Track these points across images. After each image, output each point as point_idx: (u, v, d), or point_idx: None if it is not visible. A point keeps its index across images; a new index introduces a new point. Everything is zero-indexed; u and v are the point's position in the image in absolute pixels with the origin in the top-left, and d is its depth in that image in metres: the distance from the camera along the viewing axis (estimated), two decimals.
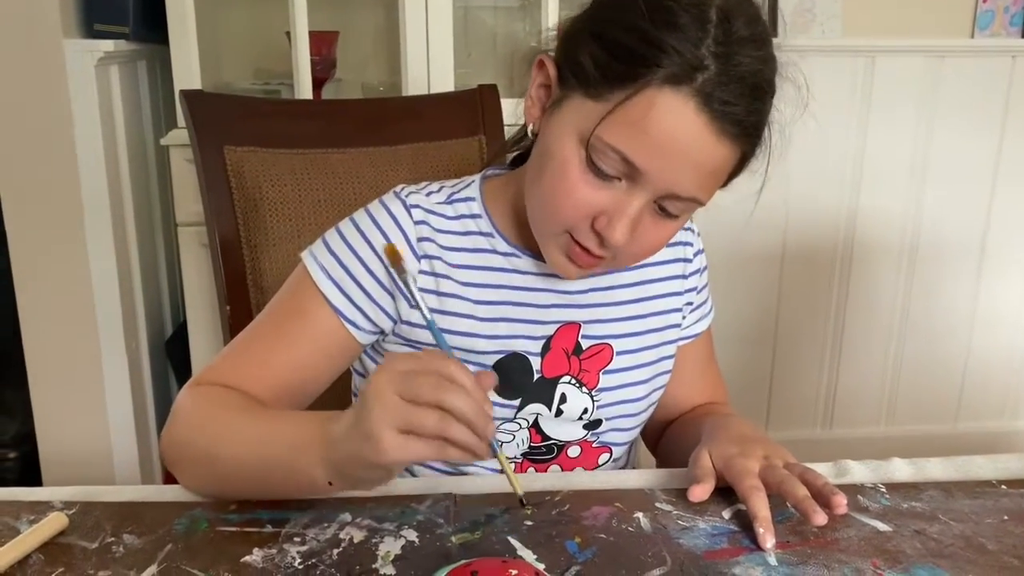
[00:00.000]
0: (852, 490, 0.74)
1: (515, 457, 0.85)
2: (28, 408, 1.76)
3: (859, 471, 0.78)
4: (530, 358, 0.82)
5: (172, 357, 1.94)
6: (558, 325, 0.83)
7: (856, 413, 2.30)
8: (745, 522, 0.69)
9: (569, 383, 0.84)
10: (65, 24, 1.59)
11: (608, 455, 0.88)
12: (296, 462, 0.65)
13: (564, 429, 0.85)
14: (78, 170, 1.64)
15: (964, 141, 2.13)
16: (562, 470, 0.86)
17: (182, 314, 1.98)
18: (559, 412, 0.84)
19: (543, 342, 0.83)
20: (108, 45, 1.62)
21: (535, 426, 0.84)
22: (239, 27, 1.97)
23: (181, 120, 1.57)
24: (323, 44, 1.80)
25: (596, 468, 0.88)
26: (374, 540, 0.66)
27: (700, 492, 0.72)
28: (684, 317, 0.92)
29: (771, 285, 2.19)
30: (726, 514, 0.71)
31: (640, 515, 0.70)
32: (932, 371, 2.30)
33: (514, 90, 1.90)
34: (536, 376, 0.82)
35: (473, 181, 0.86)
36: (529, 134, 0.78)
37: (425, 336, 0.81)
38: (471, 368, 0.77)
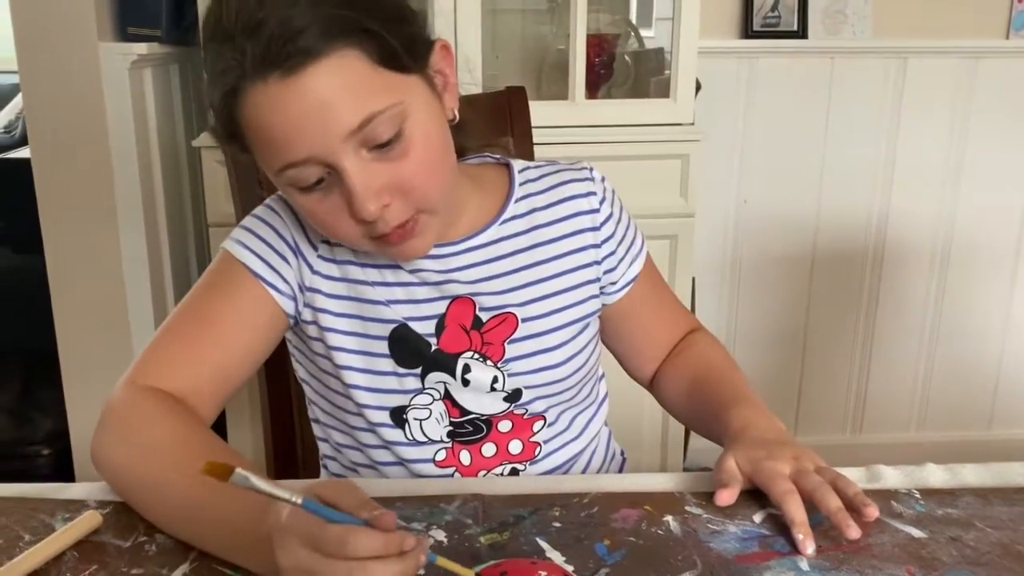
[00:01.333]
0: (886, 495, 0.73)
1: (443, 440, 0.83)
2: (62, 406, 1.78)
3: (892, 476, 0.77)
4: (424, 336, 0.81)
5: None
6: (448, 301, 0.82)
7: (886, 419, 2.28)
8: (776, 526, 0.69)
9: (472, 358, 0.82)
10: (100, 27, 1.61)
11: (543, 422, 0.86)
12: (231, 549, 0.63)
13: (481, 401, 0.83)
14: (112, 171, 1.67)
15: (999, 144, 2.10)
16: (497, 449, 0.85)
17: None
18: (465, 381, 0.82)
19: (436, 321, 0.81)
20: (141, 48, 1.65)
21: (448, 398, 0.82)
22: None
23: (212, 122, 1.58)
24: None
25: (533, 437, 0.86)
26: None
27: (727, 496, 0.71)
28: (612, 269, 0.88)
29: (801, 288, 2.18)
30: (757, 518, 0.70)
31: (670, 518, 0.70)
32: (965, 376, 2.26)
33: (542, 92, 1.90)
34: (433, 348, 0.81)
35: None
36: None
37: (326, 303, 0.81)
38: (373, 341, 0.81)
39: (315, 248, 0.82)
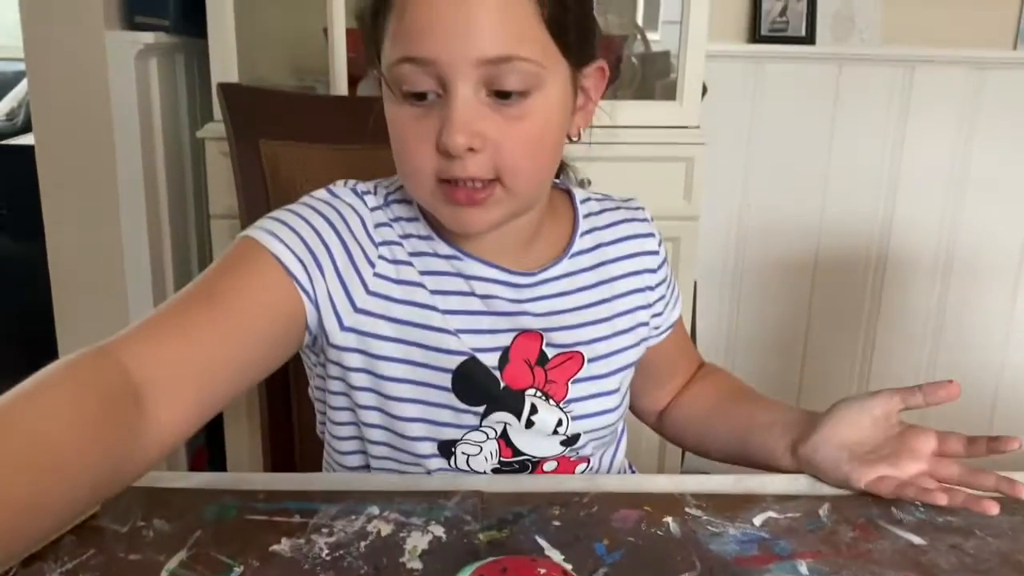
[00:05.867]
0: (886, 502, 0.73)
1: (486, 473, 0.79)
2: None
3: None
4: (490, 369, 0.76)
5: None
6: (515, 334, 0.76)
7: None
8: (775, 530, 0.69)
9: (535, 396, 0.77)
10: (107, 16, 1.61)
11: (586, 464, 0.84)
12: None
13: (538, 444, 0.78)
14: (115, 161, 1.67)
15: (1004, 154, 2.10)
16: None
17: None
18: (530, 423, 0.77)
19: (500, 353, 0.76)
20: (148, 37, 1.64)
21: (504, 437, 0.77)
22: (277, 23, 1.98)
23: (217, 113, 1.58)
24: (360, 42, 1.80)
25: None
26: (401, 534, 0.66)
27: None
28: (660, 314, 0.87)
29: (803, 294, 2.18)
30: (757, 521, 0.70)
31: (669, 519, 0.70)
32: (964, 387, 2.24)
33: None
34: (501, 386, 0.76)
35: None
36: None
37: (382, 327, 0.74)
38: (434, 372, 0.74)
39: (372, 264, 0.74)
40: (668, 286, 0.88)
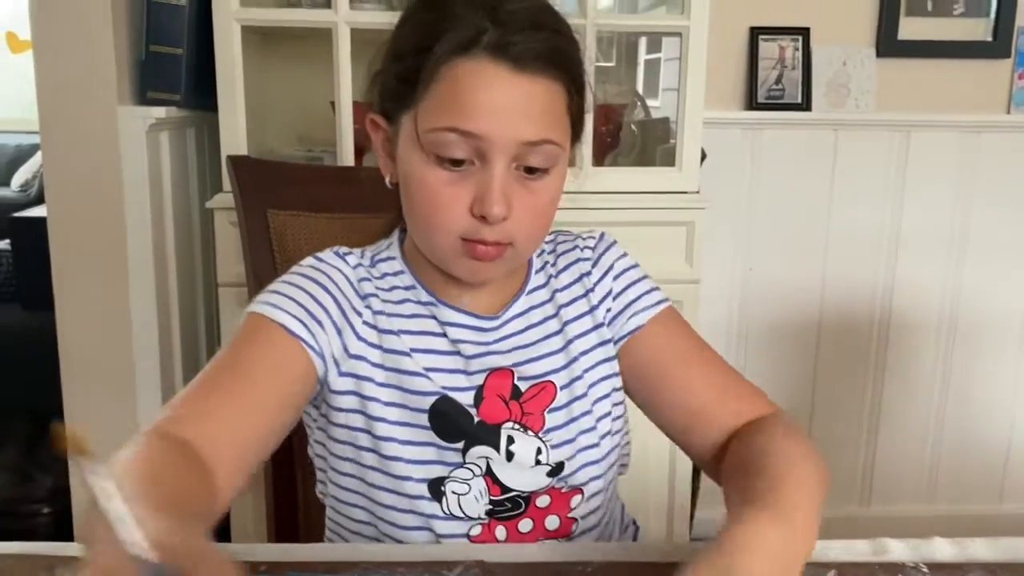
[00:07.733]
0: (893, 568, 0.72)
1: (480, 517, 0.81)
2: (64, 465, 1.78)
3: (899, 550, 0.76)
4: (464, 406, 0.81)
5: None
6: (486, 373, 0.83)
7: (895, 491, 2.25)
8: None
9: (513, 428, 0.82)
10: (120, 91, 1.66)
11: (580, 496, 0.84)
12: None
13: (523, 477, 0.81)
14: (126, 231, 1.69)
15: (1002, 217, 2.13)
16: (534, 525, 0.83)
17: None
18: (510, 455, 0.81)
19: (474, 392, 0.82)
20: (160, 112, 1.68)
21: (489, 474, 0.81)
22: (285, 96, 2.03)
23: (226, 184, 1.61)
24: (364, 112, 1.84)
25: (570, 513, 0.84)
26: None
27: None
28: (607, 326, 0.87)
29: (807, 357, 2.17)
30: None
31: None
32: (974, 449, 2.24)
33: None
34: (475, 420, 0.81)
35: (392, 242, 0.89)
36: (388, 185, 0.84)
37: (370, 371, 0.81)
38: (414, 413, 0.80)
39: (359, 314, 0.82)
40: (614, 299, 0.88)
